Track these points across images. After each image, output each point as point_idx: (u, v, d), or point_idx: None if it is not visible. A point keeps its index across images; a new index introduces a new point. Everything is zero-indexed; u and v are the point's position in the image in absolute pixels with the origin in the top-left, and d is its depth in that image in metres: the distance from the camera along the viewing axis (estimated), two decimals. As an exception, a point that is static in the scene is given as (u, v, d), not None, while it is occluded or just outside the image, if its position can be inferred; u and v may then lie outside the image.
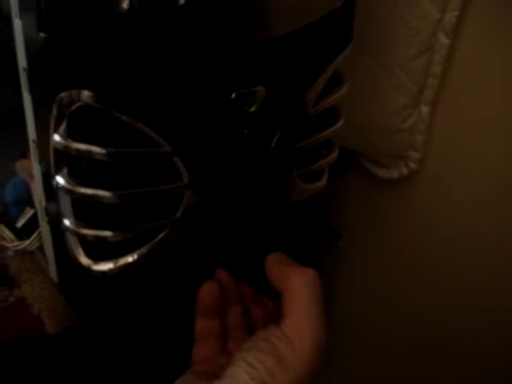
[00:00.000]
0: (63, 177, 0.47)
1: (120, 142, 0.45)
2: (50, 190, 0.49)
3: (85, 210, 0.48)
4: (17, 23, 0.45)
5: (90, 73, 0.42)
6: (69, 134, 0.45)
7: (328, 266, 1.00)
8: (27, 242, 0.58)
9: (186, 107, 0.46)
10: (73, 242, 0.49)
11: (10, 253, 0.62)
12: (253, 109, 0.49)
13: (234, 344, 0.52)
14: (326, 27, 0.52)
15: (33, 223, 0.58)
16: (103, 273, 0.50)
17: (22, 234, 0.60)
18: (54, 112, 0.44)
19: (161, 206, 0.49)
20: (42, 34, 0.42)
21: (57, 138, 0.44)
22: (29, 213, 0.60)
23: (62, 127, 0.44)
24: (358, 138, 0.82)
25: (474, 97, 0.73)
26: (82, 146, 0.44)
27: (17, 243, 0.60)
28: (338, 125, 0.59)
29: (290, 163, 0.56)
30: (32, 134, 0.49)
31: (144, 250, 0.50)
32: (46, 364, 0.59)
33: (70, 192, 0.46)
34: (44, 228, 0.54)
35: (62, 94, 0.43)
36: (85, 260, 0.49)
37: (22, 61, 0.46)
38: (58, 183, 0.47)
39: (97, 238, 0.48)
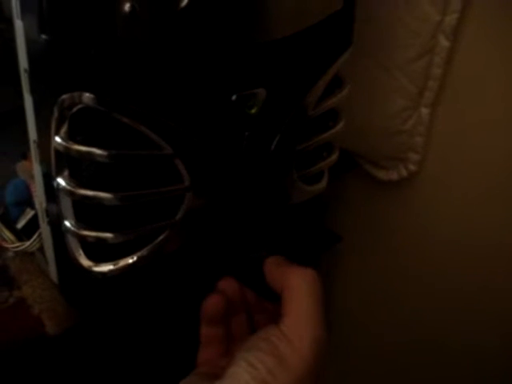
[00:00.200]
0: (64, 178, 0.47)
1: (121, 144, 0.45)
2: (51, 191, 0.49)
3: (85, 212, 0.48)
4: (18, 24, 0.45)
5: (91, 75, 0.43)
6: (70, 136, 0.45)
7: (327, 268, 1.00)
8: (27, 243, 0.58)
9: (187, 109, 0.46)
10: (73, 243, 0.49)
11: (10, 254, 0.62)
12: (253, 111, 0.50)
13: (238, 347, 0.52)
14: (327, 30, 0.52)
15: (33, 224, 0.58)
16: (103, 274, 0.50)
17: (23, 235, 0.60)
18: (56, 114, 0.44)
19: (161, 207, 0.49)
20: (43, 36, 0.42)
21: (58, 139, 0.45)
22: (29, 214, 0.60)
23: (64, 129, 0.45)
24: (357, 139, 0.82)
25: (473, 99, 0.74)
26: (83, 148, 0.44)
27: (17, 244, 0.60)
28: (339, 127, 0.60)
29: (291, 165, 0.57)
30: (33, 135, 0.49)
31: (144, 251, 0.50)
32: (47, 365, 0.59)
33: (70, 194, 0.47)
34: (44, 229, 0.55)
35: (64, 96, 0.43)
36: (85, 261, 0.49)
37: (23, 62, 0.46)
38: (58, 185, 0.47)
39: (97, 239, 0.48)
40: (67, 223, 0.48)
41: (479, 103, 0.73)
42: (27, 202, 0.60)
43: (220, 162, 0.50)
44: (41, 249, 0.58)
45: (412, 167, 0.81)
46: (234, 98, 0.48)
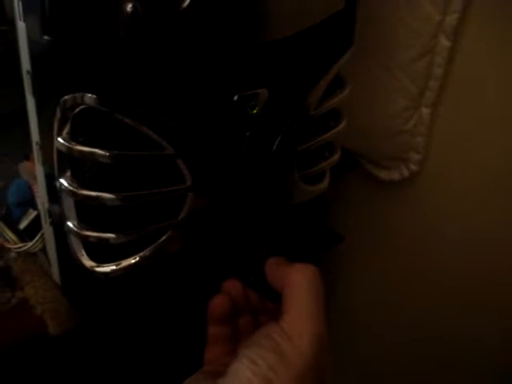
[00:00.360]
0: (66, 179, 0.47)
1: (123, 144, 0.45)
2: (53, 191, 0.49)
3: (88, 212, 0.48)
4: (20, 26, 0.45)
5: (93, 76, 0.43)
6: (72, 137, 0.45)
7: (328, 268, 1.00)
8: (30, 244, 0.58)
9: (188, 110, 0.46)
10: (76, 244, 0.50)
11: (12, 254, 0.62)
12: (255, 111, 0.50)
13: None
14: (328, 30, 0.53)
15: (35, 225, 0.58)
16: (106, 274, 0.50)
17: (25, 235, 0.60)
18: (58, 115, 0.44)
19: (163, 208, 0.49)
20: (45, 37, 0.42)
21: (60, 140, 0.45)
22: (31, 214, 0.60)
23: (66, 130, 0.45)
24: (359, 139, 0.82)
25: (474, 99, 0.74)
26: (86, 149, 0.44)
27: (19, 245, 0.60)
28: (340, 127, 0.60)
29: (292, 165, 0.57)
30: (35, 136, 0.50)
31: (146, 252, 0.50)
32: (49, 365, 0.59)
33: (73, 194, 0.47)
34: (47, 230, 0.55)
35: (66, 97, 0.43)
36: (88, 262, 0.50)
37: (25, 63, 0.46)
38: (61, 185, 0.47)
39: (100, 240, 0.48)
40: (70, 224, 0.48)
41: (480, 103, 0.73)
42: (29, 202, 0.60)
43: (221, 162, 0.51)
44: (43, 249, 0.58)
45: (413, 167, 0.81)
46: (235, 98, 0.48)
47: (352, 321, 1.04)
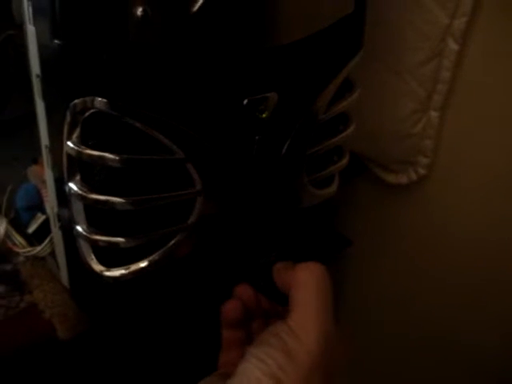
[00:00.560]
0: (76, 183, 0.47)
1: (133, 148, 0.45)
2: (63, 195, 0.49)
3: (97, 217, 0.48)
4: (30, 30, 0.45)
5: (103, 79, 0.43)
6: (82, 141, 0.45)
7: (337, 270, 1.00)
8: (39, 248, 0.58)
9: (198, 114, 0.46)
10: (85, 248, 0.49)
11: (21, 258, 0.62)
12: (264, 115, 0.50)
13: None
14: (338, 33, 0.52)
15: (44, 229, 0.58)
16: (115, 278, 0.50)
17: (34, 239, 0.60)
18: (68, 118, 0.44)
19: (173, 212, 0.49)
20: (56, 41, 0.42)
21: (70, 144, 0.45)
22: (40, 218, 0.60)
23: (76, 134, 0.45)
24: (367, 143, 0.82)
25: (482, 102, 0.73)
26: (95, 153, 0.44)
27: (28, 249, 0.60)
28: (349, 131, 0.59)
29: (301, 169, 0.56)
30: (45, 140, 0.50)
31: (155, 256, 0.50)
32: (58, 369, 0.59)
33: (82, 198, 0.47)
34: (56, 234, 0.55)
35: (76, 101, 0.43)
36: (97, 266, 0.50)
37: (35, 67, 0.46)
38: (70, 189, 0.47)
39: (109, 244, 0.48)
40: (79, 228, 0.48)
41: (488, 106, 0.73)
42: (38, 206, 0.60)
43: (231, 166, 0.50)
44: (52, 253, 0.58)
45: (421, 171, 0.81)
46: (245, 102, 0.48)
47: (361, 323, 1.04)
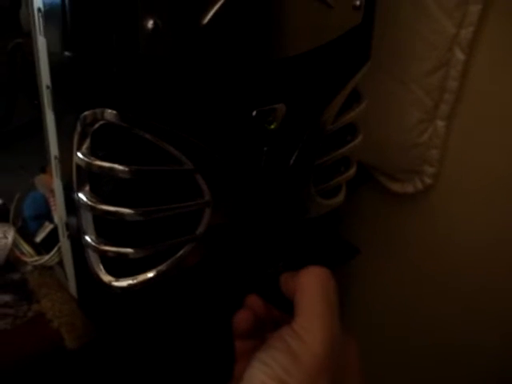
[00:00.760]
0: (85, 194, 0.47)
1: (142, 159, 0.45)
2: (71, 205, 0.49)
3: (106, 227, 0.48)
4: (41, 41, 0.45)
5: (113, 91, 0.43)
6: (92, 152, 0.45)
7: (342, 279, 1.00)
8: (46, 257, 0.58)
9: (207, 125, 0.46)
10: (94, 258, 0.50)
11: (29, 267, 0.62)
12: (273, 126, 0.50)
13: None
14: (345, 45, 0.53)
15: (52, 238, 0.58)
16: (122, 289, 0.50)
17: (41, 248, 0.60)
18: (78, 130, 0.44)
19: (181, 222, 0.49)
20: (66, 53, 0.42)
21: (80, 155, 0.45)
22: (48, 227, 0.60)
23: (86, 145, 0.45)
24: (373, 152, 0.82)
25: (489, 112, 0.73)
26: (105, 164, 0.44)
27: (36, 258, 0.60)
28: (357, 141, 0.60)
29: (309, 179, 0.57)
30: (54, 150, 0.50)
31: (164, 266, 0.50)
32: (65, 379, 0.59)
33: (91, 209, 0.47)
34: (64, 243, 0.55)
35: (86, 113, 0.43)
36: (105, 277, 0.50)
37: (45, 78, 0.46)
38: (80, 200, 0.47)
39: (118, 254, 0.48)
40: (88, 238, 0.48)
41: (495, 116, 0.73)
42: (46, 215, 0.60)
43: (240, 177, 0.51)
44: (60, 263, 0.58)
45: (427, 180, 0.81)
46: (254, 113, 0.48)
47: (366, 332, 1.03)
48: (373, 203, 0.94)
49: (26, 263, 0.62)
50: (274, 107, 0.49)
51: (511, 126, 0.72)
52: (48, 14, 0.43)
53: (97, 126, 0.44)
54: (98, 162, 0.45)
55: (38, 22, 0.44)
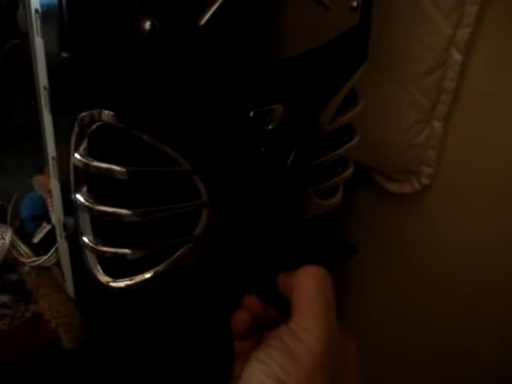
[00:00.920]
0: (83, 194, 0.47)
1: (140, 160, 0.45)
2: (68, 206, 0.49)
3: (104, 228, 0.48)
4: (38, 42, 0.45)
5: (111, 92, 0.43)
6: (89, 153, 0.45)
7: (340, 279, 1.00)
8: (44, 258, 0.58)
9: (205, 126, 0.46)
10: (91, 259, 0.50)
11: (26, 268, 0.62)
12: (270, 127, 0.50)
13: None
14: (342, 46, 0.53)
15: (49, 239, 0.58)
16: (120, 289, 0.50)
17: (39, 249, 0.60)
18: (75, 131, 0.44)
19: (179, 223, 0.49)
20: (64, 54, 0.42)
21: (77, 156, 0.45)
22: (45, 228, 0.60)
23: (83, 146, 0.45)
24: (370, 153, 0.82)
25: (486, 112, 0.74)
26: (103, 165, 0.45)
27: (33, 259, 0.60)
28: (354, 142, 0.60)
29: (306, 180, 0.57)
30: (51, 151, 0.50)
31: (161, 267, 0.50)
32: (63, 379, 0.59)
33: (89, 210, 0.47)
34: (62, 244, 0.55)
35: (83, 114, 0.43)
36: (103, 277, 0.50)
37: (43, 79, 0.46)
38: (77, 201, 0.47)
39: (116, 255, 0.48)
40: (85, 239, 0.49)
41: (491, 116, 0.73)
42: (43, 216, 0.60)
43: (237, 178, 0.51)
44: (57, 263, 0.58)
45: (425, 180, 0.81)
46: (251, 114, 0.48)
47: (363, 332, 1.03)
48: (370, 203, 0.94)
49: (23, 264, 0.62)
50: (272, 108, 0.49)
51: (508, 127, 0.72)
52: (45, 15, 0.43)
53: (94, 126, 0.44)
54: (96, 163, 0.45)
55: (36, 23, 0.45)
